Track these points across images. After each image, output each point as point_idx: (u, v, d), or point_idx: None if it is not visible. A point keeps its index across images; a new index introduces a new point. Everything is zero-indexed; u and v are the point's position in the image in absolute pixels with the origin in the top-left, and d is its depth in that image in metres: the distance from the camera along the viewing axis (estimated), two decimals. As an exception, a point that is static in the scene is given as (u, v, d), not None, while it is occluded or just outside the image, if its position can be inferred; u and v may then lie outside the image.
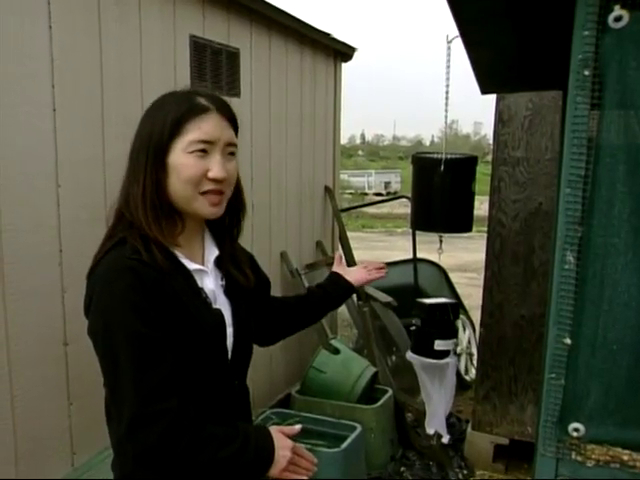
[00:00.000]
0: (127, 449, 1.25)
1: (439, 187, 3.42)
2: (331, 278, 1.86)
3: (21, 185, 2.27)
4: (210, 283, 1.40)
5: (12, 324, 2.25)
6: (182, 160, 1.30)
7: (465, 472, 3.80)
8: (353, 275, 1.85)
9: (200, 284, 1.37)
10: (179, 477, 1.25)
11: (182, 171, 1.30)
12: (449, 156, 3.44)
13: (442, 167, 3.29)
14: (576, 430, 1.31)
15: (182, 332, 1.29)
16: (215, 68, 3.41)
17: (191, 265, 1.37)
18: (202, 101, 1.34)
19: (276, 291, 4.30)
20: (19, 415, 2.29)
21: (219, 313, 1.38)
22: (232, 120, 1.39)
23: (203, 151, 1.31)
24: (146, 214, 1.31)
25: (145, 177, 1.31)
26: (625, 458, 1.29)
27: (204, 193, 1.32)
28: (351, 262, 4.91)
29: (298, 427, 1.42)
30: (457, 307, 2.87)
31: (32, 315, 2.33)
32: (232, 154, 1.37)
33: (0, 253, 2.19)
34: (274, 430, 1.37)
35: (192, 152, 1.30)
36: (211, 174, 1.31)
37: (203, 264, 1.41)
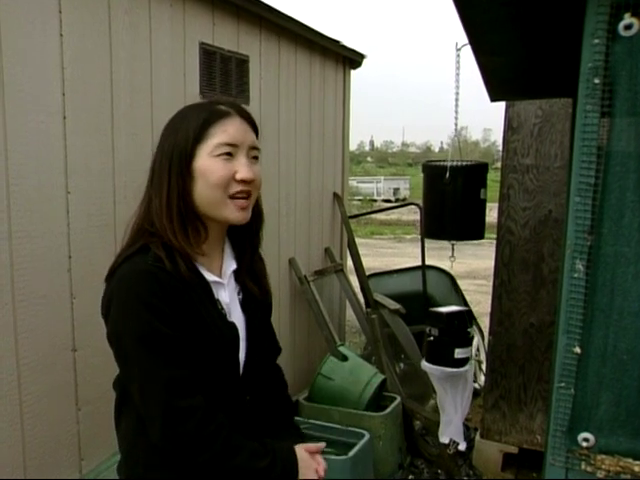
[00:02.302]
0: (165, 448, 1.27)
1: (450, 194, 3.41)
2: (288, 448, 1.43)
3: (31, 191, 2.28)
4: (226, 296, 1.40)
5: (21, 330, 2.26)
6: (209, 164, 1.30)
7: (474, 481, 3.78)
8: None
9: (216, 296, 1.38)
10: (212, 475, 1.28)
11: (210, 174, 1.30)
12: (459, 163, 3.44)
13: (447, 174, 3.29)
14: (586, 440, 1.30)
15: (197, 341, 1.29)
16: (224, 75, 3.42)
17: (209, 276, 1.37)
18: (222, 107, 1.35)
19: (285, 297, 4.31)
20: (28, 421, 2.29)
21: (234, 326, 1.38)
22: (253, 124, 1.39)
23: (229, 154, 1.31)
24: (171, 222, 1.30)
25: (170, 184, 1.31)
26: (636, 469, 1.27)
27: (232, 197, 1.32)
28: (360, 269, 4.91)
29: (322, 444, 1.45)
30: (471, 314, 2.87)
31: (41, 321, 2.34)
32: (255, 158, 1.37)
33: (10, 259, 2.20)
34: (299, 449, 1.39)
35: (218, 155, 1.30)
36: (239, 175, 1.31)
37: (220, 276, 1.41)
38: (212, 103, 1.38)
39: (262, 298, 1.50)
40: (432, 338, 2.77)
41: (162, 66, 2.94)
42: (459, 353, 2.70)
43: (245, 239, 1.46)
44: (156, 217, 1.32)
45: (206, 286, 1.35)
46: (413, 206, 6.66)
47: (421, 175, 3.84)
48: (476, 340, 5.48)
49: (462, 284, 6.19)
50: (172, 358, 1.25)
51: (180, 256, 1.30)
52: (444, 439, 2.94)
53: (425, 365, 2.80)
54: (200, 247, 1.35)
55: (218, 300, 1.37)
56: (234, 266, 1.44)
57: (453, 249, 3.56)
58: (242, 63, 3.60)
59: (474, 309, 5.95)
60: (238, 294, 1.45)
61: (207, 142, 1.30)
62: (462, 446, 2.98)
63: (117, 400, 1.41)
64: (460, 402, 2.77)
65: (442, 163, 3.52)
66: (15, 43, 2.19)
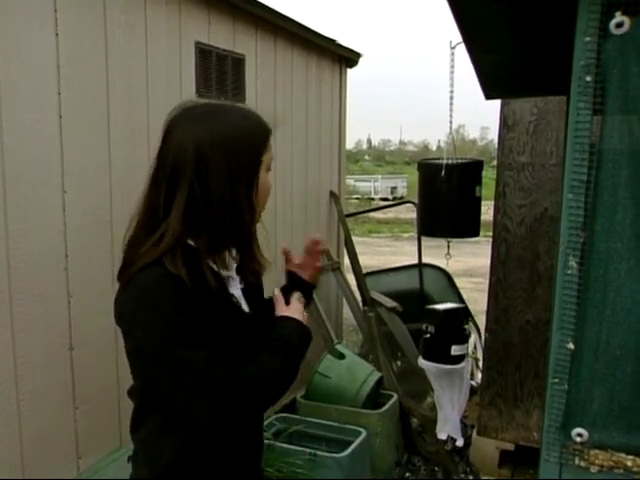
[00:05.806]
0: (216, 422, 1.28)
1: (445, 192, 3.42)
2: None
3: (28, 190, 2.28)
4: (236, 288, 1.43)
5: (18, 328, 2.26)
6: (266, 177, 1.38)
7: (471, 477, 3.79)
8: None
9: (230, 290, 1.40)
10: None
11: (266, 188, 1.39)
12: (454, 161, 3.44)
13: (443, 172, 3.30)
14: (579, 435, 1.31)
15: (218, 338, 1.30)
16: (220, 74, 3.42)
17: (224, 272, 1.39)
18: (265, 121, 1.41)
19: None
20: (25, 419, 2.30)
21: (250, 317, 1.42)
22: None
23: None
24: (241, 239, 1.39)
25: (243, 199, 1.33)
26: (629, 464, 1.28)
27: None
28: (357, 267, 4.91)
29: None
30: (466, 311, 2.87)
31: (38, 319, 2.34)
32: None
33: (7, 258, 2.21)
34: (283, 311, 1.49)
35: (267, 170, 1.39)
36: (270, 189, 1.42)
37: (228, 269, 1.43)
38: (255, 113, 1.41)
39: (259, 270, 1.53)
40: (429, 335, 2.78)
41: (158, 65, 2.95)
42: (455, 350, 2.70)
43: None
44: (239, 224, 1.34)
45: (221, 282, 1.37)
46: (410, 204, 6.66)
47: (417, 173, 3.85)
48: (473, 338, 5.49)
49: (459, 282, 6.19)
50: (202, 347, 1.26)
51: (201, 259, 1.32)
52: (442, 435, 2.95)
53: (422, 362, 2.81)
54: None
55: (232, 295, 1.40)
56: (237, 256, 1.46)
57: (449, 247, 3.57)
58: (238, 62, 3.61)
59: (471, 307, 5.94)
60: (240, 283, 1.46)
61: (265, 156, 1.37)
62: (460, 442, 2.99)
63: (137, 408, 1.41)
64: (457, 398, 2.78)
65: (437, 161, 3.52)
66: (10, 42, 2.19)
